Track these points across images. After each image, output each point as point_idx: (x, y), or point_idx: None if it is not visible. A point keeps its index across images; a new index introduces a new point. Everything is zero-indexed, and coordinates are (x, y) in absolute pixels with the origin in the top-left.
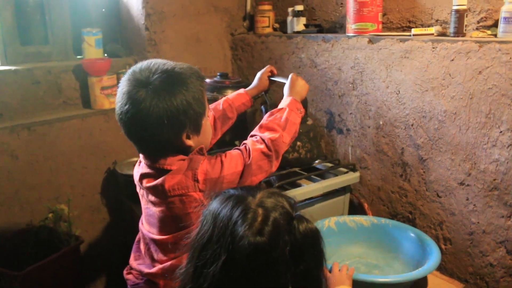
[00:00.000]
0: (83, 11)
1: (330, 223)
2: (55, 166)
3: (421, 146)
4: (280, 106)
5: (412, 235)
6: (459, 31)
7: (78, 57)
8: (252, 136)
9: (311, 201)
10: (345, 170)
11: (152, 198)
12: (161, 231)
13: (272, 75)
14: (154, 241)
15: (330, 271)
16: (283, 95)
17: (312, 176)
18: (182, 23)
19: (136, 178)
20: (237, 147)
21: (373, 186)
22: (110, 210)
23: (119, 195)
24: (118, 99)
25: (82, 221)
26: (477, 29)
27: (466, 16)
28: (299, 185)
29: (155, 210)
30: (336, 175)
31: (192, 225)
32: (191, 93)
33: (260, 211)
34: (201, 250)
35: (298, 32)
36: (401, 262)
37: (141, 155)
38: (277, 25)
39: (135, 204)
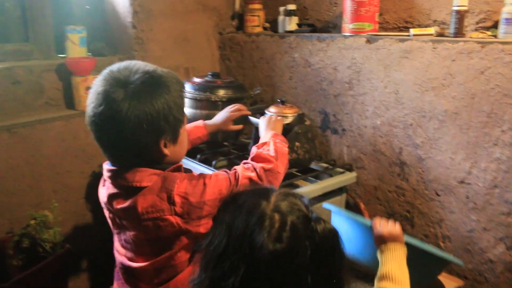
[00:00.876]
0: (66, 8)
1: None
2: (38, 171)
3: (420, 146)
4: (262, 140)
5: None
6: (459, 32)
7: (60, 56)
8: (244, 163)
9: None
10: (341, 170)
11: (124, 222)
12: (138, 256)
13: (244, 116)
14: (133, 270)
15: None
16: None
17: (309, 177)
18: (170, 22)
19: (103, 199)
20: (225, 170)
21: (370, 186)
22: (96, 215)
23: None
24: (91, 100)
25: (66, 227)
26: (476, 30)
27: (466, 17)
28: (296, 186)
29: (129, 235)
30: (332, 176)
31: (171, 250)
32: (173, 98)
33: (276, 216)
34: (217, 261)
35: (291, 32)
36: None
37: (105, 172)
38: (267, 25)
39: None
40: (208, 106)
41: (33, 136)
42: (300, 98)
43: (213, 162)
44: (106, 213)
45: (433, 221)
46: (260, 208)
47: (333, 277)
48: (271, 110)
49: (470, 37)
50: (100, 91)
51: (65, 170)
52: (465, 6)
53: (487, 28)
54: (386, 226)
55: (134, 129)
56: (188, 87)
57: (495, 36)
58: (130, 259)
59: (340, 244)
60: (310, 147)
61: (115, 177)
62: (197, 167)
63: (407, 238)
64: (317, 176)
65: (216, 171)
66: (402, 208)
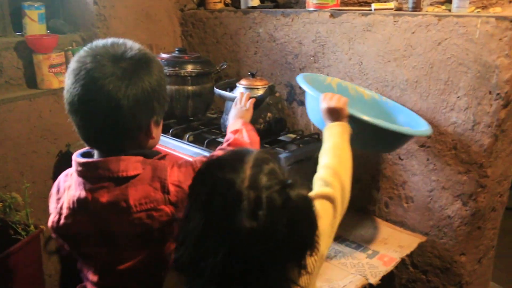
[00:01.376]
0: None
1: (332, 82)
2: (2, 152)
3: None
4: (233, 128)
5: (406, 113)
6: (417, 6)
7: (17, 33)
8: (221, 149)
9: None
10: (309, 140)
11: (107, 218)
12: (124, 257)
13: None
14: (120, 271)
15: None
16: None
17: (278, 148)
18: None
19: (71, 202)
20: (205, 156)
21: None
22: None
23: None
24: (75, 77)
25: (35, 208)
26: (431, 4)
27: None
28: None
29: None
30: (300, 146)
31: (164, 240)
32: (162, 76)
33: (252, 194)
34: (196, 241)
35: (254, 7)
36: None
37: (76, 167)
38: (229, 1)
39: None
40: (177, 81)
41: None
42: (266, 72)
43: (187, 136)
44: (69, 221)
45: (397, 184)
46: (235, 187)
47: (306, 242)
48: (242, 83)
49: (427, 11)
50: (89, 68)
51: (31, 151)
52: None
53: (442, 3)
54: (330, 101)
55: (129, 107)
56: None
57: (449, 10)
58: (112, 264)
59: (312, 210)
60: (280, 117)
61: (93, 169)
62: (170, 141)
63: (359, 114)
64: (286, 146)
65: (196, 158)
66: (368, 173)
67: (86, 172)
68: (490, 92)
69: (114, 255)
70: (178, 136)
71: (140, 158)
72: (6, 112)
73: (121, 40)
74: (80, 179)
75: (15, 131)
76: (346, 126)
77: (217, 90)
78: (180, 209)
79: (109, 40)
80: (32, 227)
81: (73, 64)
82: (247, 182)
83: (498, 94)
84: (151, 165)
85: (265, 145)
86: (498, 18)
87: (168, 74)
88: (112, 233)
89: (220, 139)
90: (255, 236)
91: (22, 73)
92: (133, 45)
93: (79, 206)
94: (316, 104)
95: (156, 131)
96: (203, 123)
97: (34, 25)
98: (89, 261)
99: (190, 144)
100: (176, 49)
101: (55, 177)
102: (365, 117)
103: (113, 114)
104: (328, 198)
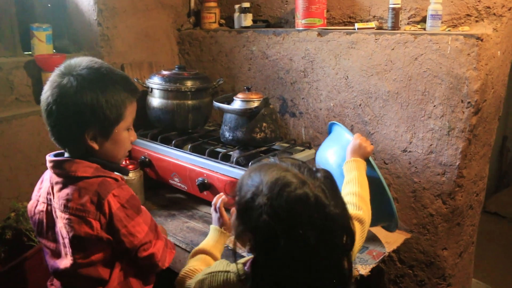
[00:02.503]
0: (28, 6)
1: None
2: (14, 164)
3: (369, 122)
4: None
5: None
6: (396, 25)
7: (26, 53)
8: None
9: None
10: (301, 148)
11: (56, 212)
12: (64, 255)
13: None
14: (61, 272)
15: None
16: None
17: (271, 157)
18: (132, 19)
19: (43, 192)
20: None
21: None
22: None
23: None
24: (44, 88)
25: None
26: (408, 24)
27: (400, 13)
28: None
29: (58, 229)
30: (293, 154)
31: (89, 252)
32: (106, 97)
33: (292, 170)
34: (246, 212)
35: (247, 27)
36: None
37: (47, 163)
38: (223, 21)
39: None
40: (178, 96)
41: (9, 131)
42: (259, 86)
43: (188, 147)
44: (40, 208)
45: None
46: (307, 186)
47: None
48: (239, 96)
49: (405, 30)
50: (51, 79)
51: (40, 163)
52: (399, 4)
53: (417, 23)
54: (364, 141)
55: (66, 116)
56: (158, 79)
57: (424, 29)
58: (56, 261)
59: (336, 183)
60: (274, 127)
61: (56, 167)
62: (172, 151)
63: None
64: (279, 155)
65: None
66: None
67: (52, 168)
68: (462, 101)
69: (56, 253)
70: (180, 147)
71: (95, 165)
72: (18, 127)
73: (85, 59)
74: (51, 173)
75: (26, 144)
76: (365, 164)
77: (216, 104)
78: (107, 231)
79: (78, 58)
80: None
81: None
82: (312, 184)
83: (469, 102)
84: (102, 178)
85: (261, 154)
86: (466, 35)
87: (169, 89)
88: (55, 229)
89: (219, 149)
90: (338, 220)
91: (31, 91)
92: (85, 64)
93: (43, 198)
94: (339, 143)
95: (101, 143)
96: (202, 135)
97: (42, 45)
98: (46, 253)
99: (191, 153)
100: (176, 66)
101: None
102: (377, 170)
103: (52, 121)
104: (359, 220)
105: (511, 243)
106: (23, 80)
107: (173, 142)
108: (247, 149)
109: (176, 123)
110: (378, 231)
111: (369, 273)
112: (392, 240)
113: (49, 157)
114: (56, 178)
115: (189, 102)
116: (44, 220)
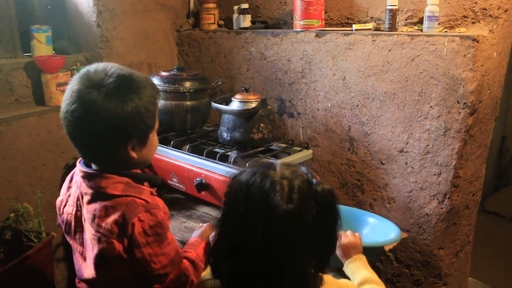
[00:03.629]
0: (28, 7)
1: None
2: (14, 165)
3: (366, 123)
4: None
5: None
6: (393, 27)
7: (25, 54)
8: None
9: None
10: (299, 148)
11: (84, 222)
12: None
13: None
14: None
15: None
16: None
17: (269, 157)
18: (132, 20)
19: (73, 197)
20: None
21: (324, 160)
22: None
23: None
24: (66, 97)
25: (44, 218)
26: (405, 25)
27: (397, 15)
28: None
29: (84, 237)
30: (291, 154)
31: (111, 270)
32: (144, 103)
33: (285, 182)
34: (236, 225)
35: (246, 28)
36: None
37: (78, 171)
38: (222, 22)
39: None
40: (177, 97)
41: (9, 132)
42: (258, 87)
43: (186, 147)
44: (69, 210)
45: (380, 186)
46: (270, 176)
47: (331, 234)
48: (237, 97)
49: (402, 31)
50: (75, 90)
51: (40, 164)
52: (396, 5)
53: (414, 24)
54: (347, 237)
55: (103, 130)
56: (157, 80)
57: (421, 30)
58: (83, 262)
59: (336, 203)
60: (272, 128)
61: (86, 178)
62: (170, 152)
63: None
64: (277, 155)
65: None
66: (353, 177)
67: (83, 178)
68: (458, 102)
69: (83, 257)
70: (178, 147)
71: (125, 179)
72: (18, 128)
73: (109, 66)
74: (79, 182)
75: (25, 145)
76: (364, 258)
77: (214, 104)
78: (127, 252)
79: (100, 65)
80: (44, 234)
81: (69, 84)
82: (278, 174)
83: (465, 103)
84: (131, 199)
85: (259, 154)
86: (462, 37)
87: (168, 90)
88: (83, 234)
89: (217, 150)
90: (289, 216)
91: (30, 92)
92: (115, 72)
93: (73, 201)
94: None
95: (139, 151)
96: (200, 136)
97: (42, 46)
98: (74, 252)
99: (190, 154)
100: (175, 67)
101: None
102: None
103: (87, 135)
104: None
105: (510, 242)
106: (23, 81)
107: (172, 142)
108: (245, 150)
109: (175, 123)
110: None
111: None
112: None
113: (81, 167)
114: (86, 189)
115: (188, 102)
116: (73, 223)
